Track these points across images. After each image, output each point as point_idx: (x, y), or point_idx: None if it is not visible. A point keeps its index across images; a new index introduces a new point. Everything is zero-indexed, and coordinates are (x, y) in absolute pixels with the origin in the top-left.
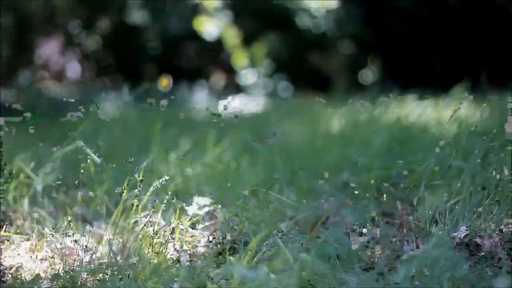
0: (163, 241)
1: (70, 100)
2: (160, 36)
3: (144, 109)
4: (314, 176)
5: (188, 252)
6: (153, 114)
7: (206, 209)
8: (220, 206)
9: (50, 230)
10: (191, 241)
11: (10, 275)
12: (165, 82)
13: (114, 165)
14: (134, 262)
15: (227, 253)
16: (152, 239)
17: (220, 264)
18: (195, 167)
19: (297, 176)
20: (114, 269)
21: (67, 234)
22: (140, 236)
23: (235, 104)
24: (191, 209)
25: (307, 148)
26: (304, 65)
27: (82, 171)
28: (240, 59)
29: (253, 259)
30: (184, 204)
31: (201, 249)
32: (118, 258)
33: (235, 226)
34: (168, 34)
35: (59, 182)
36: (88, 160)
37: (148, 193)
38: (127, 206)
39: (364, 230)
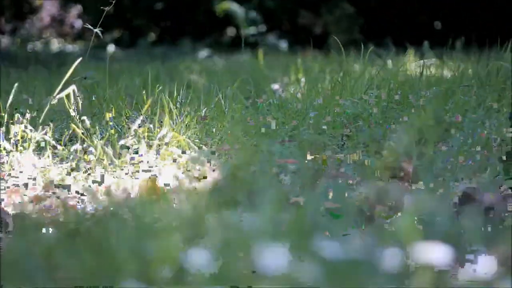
0: (169, 189)
1: (72, 51)
2: None
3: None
4: (314, 130)
5: (191, 202)
6: (154, 65)
7: (209, 158)
8: (223, 156)
9: (54, 180)
10: (195, 191)
11: (12, 223)
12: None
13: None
14: (137, 208)
15: (230, 204)
16: (156, 187)
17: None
18: (194, 120)
19: (297, 129)
20: (118, 218)
21: (72, 184)
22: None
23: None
24: (194, 159)
25: (305, 103)
26: (298, 22)
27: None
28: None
29: (254, 209)
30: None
31: (205, 200)
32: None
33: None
34: None
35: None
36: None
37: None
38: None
39: (366, 184)
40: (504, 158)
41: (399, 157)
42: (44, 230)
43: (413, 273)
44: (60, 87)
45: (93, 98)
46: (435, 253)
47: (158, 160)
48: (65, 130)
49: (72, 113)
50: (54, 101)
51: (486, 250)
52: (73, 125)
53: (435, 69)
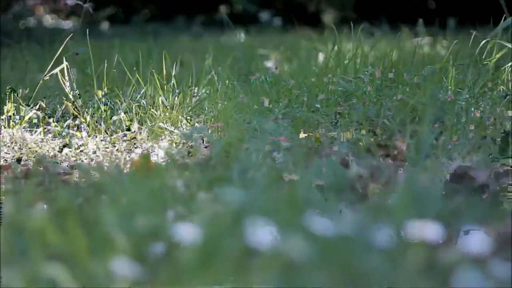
0: (161, 165)
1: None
2: None
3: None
4: (307, 108)
5: (183, 179)
6: (147, 42)
7: (201, 134)
8: (215, 134)
9: (46, 155)
10: (186, 168)
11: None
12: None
13: (105, 92)
14: (129, 184)
15: (222, 180)
16: (149, 163)
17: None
18: (187, 98)
19: (291, 106)
20: (110, 194)
21: (64, 160)
22: (137, 160)
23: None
24: (187, 135)
25: (298, 80)
26: (291, 0)
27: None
28: None
29: (246, 186)
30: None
31: (196, 177)
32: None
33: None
34: None
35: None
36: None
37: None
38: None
39: (359, 161)
40: (497, 136)
41: (393, 135)
42: (36, 206)
43: (405, 249)
44: (52, 63)
45: (86, 74)
46: (428, 230)
47: (151, 136)
48: (58, 106)
49: (65, 89)
50: (47, 78)
51: (478, 228)
52: (66, 102)
53: (429, 48)
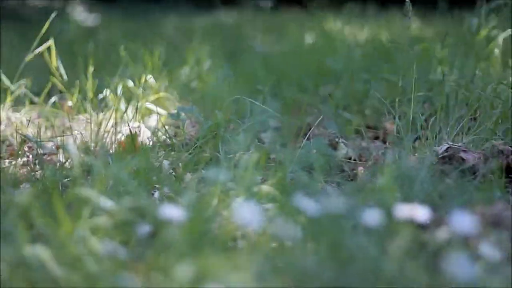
0: (148, 146)
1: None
2: None
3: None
4: (296, 88)
5: (170, 159)
6: (135, 20)
7: (189, 115)
8: (202, 115)
9: (31, 136)
10: (173, 148)
11: None
12: None
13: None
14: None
15: (209, 161)
16: (135, 143)
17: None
18: (174, 77)
19: (279, 87)
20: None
21: (49, 140)
22: (123, 140)
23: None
24: (174, 115)
25: (287, 60)
26: None
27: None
28: None
29: (234, 167)
30: (164, 112)
31: (183, 157)
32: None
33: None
34: None
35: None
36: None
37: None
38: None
39: (347, 142)
40: (487, 118)
41: (382, 116)
42: (20, 186)
43: (394, 230)
44: (37, 41)
45: (72, 53)
46: (416, 212)
47: (138, 116)
48: (44, 84)
49: (51, 68)
50: (32, 56)
51: (466, 209)
52: (52, 79)
53: (418, 28)
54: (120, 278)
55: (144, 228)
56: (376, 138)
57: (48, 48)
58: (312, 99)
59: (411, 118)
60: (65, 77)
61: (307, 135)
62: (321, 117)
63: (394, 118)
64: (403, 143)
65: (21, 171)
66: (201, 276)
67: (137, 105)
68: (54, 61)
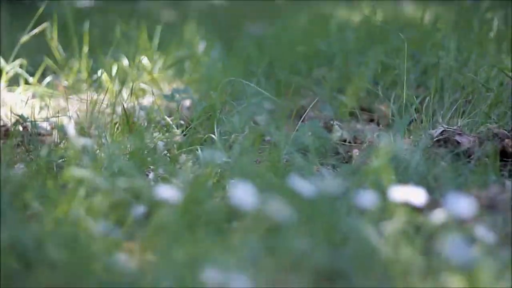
0: (142, 127)
1: None
2: None
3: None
4: (290, 71)
5: (165, 140)
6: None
7: (183, 96)
8: (197, 96)
9: (26, 116)
10: (167, 129)
11: None
12: None
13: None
14: (110, 144)
15: (203, 142)
16: (130, 124)
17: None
18: (169, 58)
19: (273, 69)
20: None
21: (44, 120)
22: (117, 121)
23: None
24: (168, 97)
25: (281, 42)
26: None
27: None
28: None
29: (229, 148)
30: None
31: (177, 138)
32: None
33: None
34: None
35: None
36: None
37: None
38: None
39: (342, 125)
40: (482, 101)
41: (376, 98)
42: (15, 167)
43: (388, 212)
44: (33, 22)
45: (67, 34)
46: (411, 194)
47: (132, 97)
48: (39, 65)
49: (47, 48)
50: (28, 37)
51: (462, 192)
52: (47, 60)
53: (413, 11)
54: (115, 258)
55: (139, 209)
56: (371, 120)
57: (44, 30)
58: (306, 81)
59: (405, 101)
60: (61, 55)
61: (302, 118)
62: (316, 99)
63: (389, 101)
64: (397, 126)
65: (16, 151)
66: (196, 257)
67: (131, 86)
68: (55, 39)
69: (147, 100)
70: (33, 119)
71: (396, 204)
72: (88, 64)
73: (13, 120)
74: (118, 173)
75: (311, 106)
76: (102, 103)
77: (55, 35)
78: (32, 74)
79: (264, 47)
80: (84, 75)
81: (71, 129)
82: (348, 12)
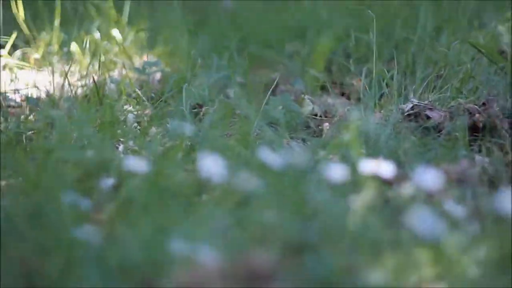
0: (113, 99)
1: None
2: None
3: None
4: (263, 45)
5: (135, 113)
6: None
7: (154, 69)
8: (168, 69)
9: None
10: (138, 102)
11: None
12: None
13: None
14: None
15: (174, 115)
16: (100, 96)
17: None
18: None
19: (246, 43)
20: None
21: (14, 92)
22: (88, 94)
23: None
24: (139, 70)
25: (254, 17)
26: None
27: None
28: None
29: (199, 121)
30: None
31: (147, 111)
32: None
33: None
34: None
35: None
36: None
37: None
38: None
39: (313, 99)
40: (452, 76)
41: (347, 73)
42: None
43: (358, 184)
44: None
45: (36, 6)
46: (380, 168)
47: (103, 70)
48: (9, 36)
49: (16, 20)
50: None
51: (431, 166)
52: (16, 32)
53: None
54: (83, 229)
55: (108, 181)
56: (342, 95)
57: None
58: (278, 55)
59: (375, 76)
60: (31, 28)
61: (273, 91)
62: (287, 73)
63: (360, 75)
64: (368, 100)
65: None
66: (164, 229)
67: (102, 59)
68: (22, 12)
69: (118, 73)
70: (3, 91)
71: (365, 176)
72: (59, 37)
73: None
74: (87, 145)
75: (282, 80)
76: (72, 75)
77: (20, 8)
78: (2, 47)
79: (237, 21)
80: (55, 47)
81: (40, 102)
82: None
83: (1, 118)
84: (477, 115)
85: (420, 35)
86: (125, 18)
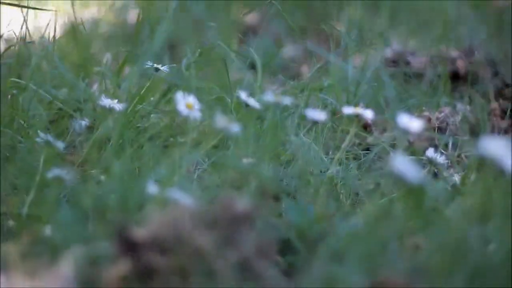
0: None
1: None
2: None
3: None
4: None
5: (111, 52)
6: None
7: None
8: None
9: None
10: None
11: None
12: None
13: None
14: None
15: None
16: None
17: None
18: None
19: None
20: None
21: None
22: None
23: None
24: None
25: None
26: None
27: None
28: None
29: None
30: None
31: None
32: None
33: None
34: None
35: None
36: None
37: None
38: None
39: (294, 44)
40: (435, 22)
41: (328, 17)
42: None
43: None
44: None
45: None
46: (360, 113)
47: (79, 8)
48: None
49: None
50: None
51: (413, 113)
52: None
53: None
54: (56, 169)
55: (82, 122)
56: (323, 39)
57: None
58: None
59: (358, 21)
60: None
61: (253, 33)
62: (268, 17)
63: (341, 20)
64: (349, 45)
65: None
66: (139, 171)
67: None
68: None
69: (94, 11)
70: None
71: (345, 120)
72: None
73: None
74: (62, 85)
75: (260, 21)
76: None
77: None
78: None
79: None
80: None
81: (14, 39)
82: None
83: None
84: (459, 61)
85: None
86: None
